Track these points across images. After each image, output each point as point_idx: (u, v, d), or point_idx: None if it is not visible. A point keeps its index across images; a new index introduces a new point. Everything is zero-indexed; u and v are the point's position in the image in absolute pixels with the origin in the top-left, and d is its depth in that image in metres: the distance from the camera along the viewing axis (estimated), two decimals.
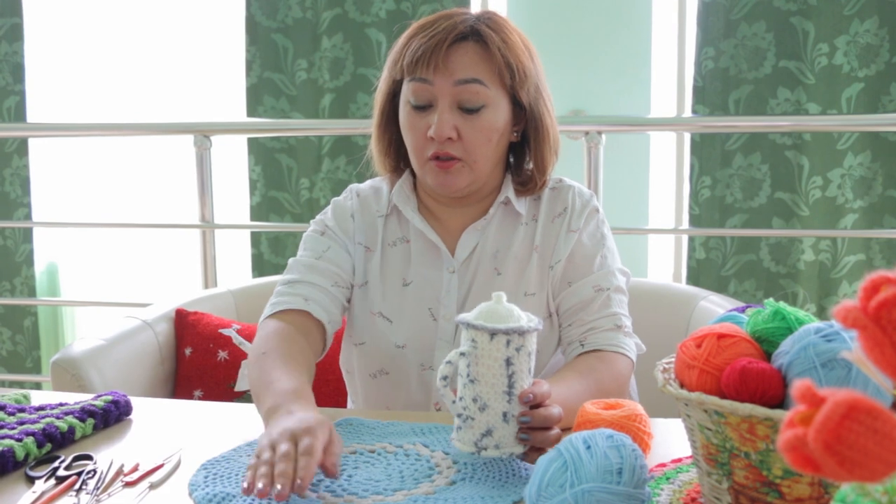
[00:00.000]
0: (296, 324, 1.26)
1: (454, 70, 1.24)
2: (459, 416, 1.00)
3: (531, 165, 1.36)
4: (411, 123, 1.28)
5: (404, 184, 1.38)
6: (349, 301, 1.37)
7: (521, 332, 0.97)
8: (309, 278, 1.31)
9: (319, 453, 0.92)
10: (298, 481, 0.88)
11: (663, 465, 1.01)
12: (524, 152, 1.36)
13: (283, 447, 0.91)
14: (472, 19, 1.27)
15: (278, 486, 0.87)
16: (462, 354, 0.98)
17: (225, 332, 1.61)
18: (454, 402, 1.00)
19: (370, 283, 1.36)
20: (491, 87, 1.25)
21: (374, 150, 1.39)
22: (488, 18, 1.28)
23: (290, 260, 1.35)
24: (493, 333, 0.96)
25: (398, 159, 1.38)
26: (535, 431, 0.98)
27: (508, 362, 0.97)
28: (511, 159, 1.38)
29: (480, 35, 1.25)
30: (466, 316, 0.99)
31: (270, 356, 1.18)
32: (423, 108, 1.27)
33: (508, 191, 1.35)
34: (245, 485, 0.90)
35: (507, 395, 0.97)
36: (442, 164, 1.27)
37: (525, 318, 0.99)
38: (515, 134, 1.33)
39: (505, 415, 0.98)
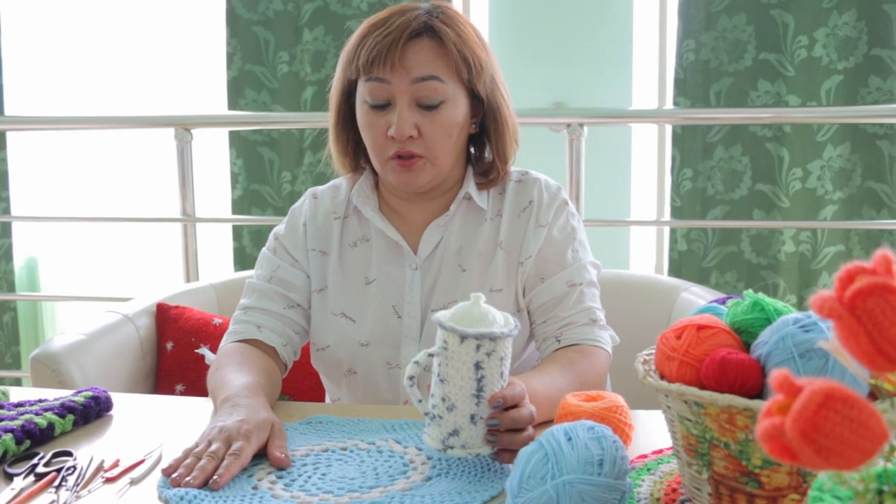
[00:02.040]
0: (253, 345, 1.32)
1: (411, 68, 1.23)
2: (427, 413, 1.00)
3: (492, 156, 1.35)
4: (370, 123, 1.27)
5: (364, 183, 1.37)
6: (311, 308, 1.38)
7: (493, 338, 0.96)
8: (260, 304, 1.35)
9: (247, 457, 1.00)
10: (216, 478, 0.96)
11: (644, 456, 1.02)
12: (484, 143, 1.36)
13: (214, 446, 1.00)
14: (425, 15, 1.26)
15: (188, 479, 0.96)
16: (430, 355, 0.98)
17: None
18: (420, 400, 1.00)
19: (330, 286, 1.36)
20: (448, 82, 1.25)
21: (332, 150, 1.38)
22: (441, 12, 1.28)
23: (247, 282, 1.38)
24: (463, 337, 0.95)
25: (357, 158, 1.38)
26: (504, 434, 0.98)
27: (478, 366, 0.96)
28: (472, 150, 1.38)
29: (435, 31, 1.25)
30: (441, 315, 0.98)
31: (224, 368, 1.24)
32: (381, 107, 1.26)
33: (469, 186, 1.34)
34: (166, 466, 0.99)
35: (475, 397, 0.97)
36: (403, 163, 1.26)
37: (501, 322, 0.98)
38: (474, 125, 1.33)
39: (473, 417, 0.97)
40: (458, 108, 1.27)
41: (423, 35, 1.25)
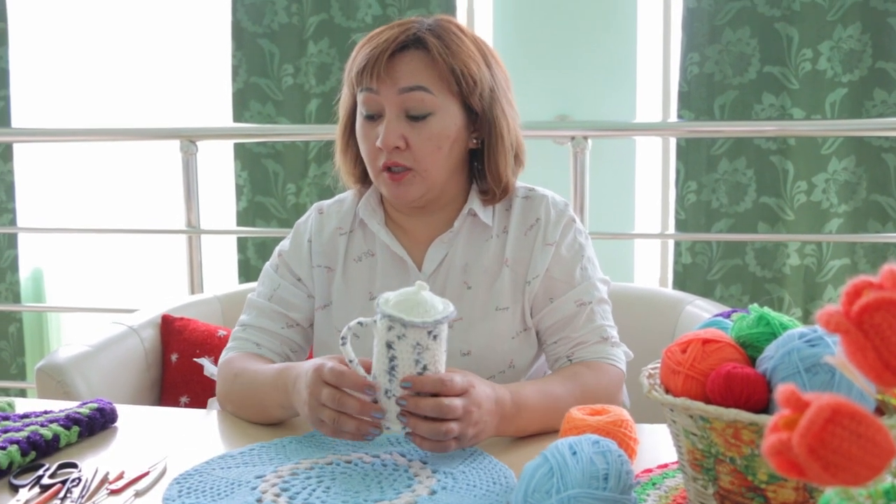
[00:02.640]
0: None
1: (398, 78, 1.23)
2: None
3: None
4: (364, 134, 1.28)
5: (371, 197, 1.37)
6: (311, 327, 1.38)
7: (404, 324, 1.01)
8: (259, 322, 1.35)
9: (348, 372, 1.04)
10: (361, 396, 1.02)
11: (649, 470, 1.02)
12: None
13: (325, 393, 1.04)
14: (417, 27, 1.27)
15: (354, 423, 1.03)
16: (360, 324, 1.05)
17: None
18: (351, 360, 1.06)
19: (335, 303, 1.35)
20: (437, 94, 1.24)
21: (339, 162, 1.39)
22: (436, 25, 1.28)
23: (248, 297, 1.39)
24: (381, 315, 1.02)
25: (364, 171, 1.37)
26: (411, 417, 1.02)
27: (389, 346, 1.02)
28: (477, 165, 1.36)
29: (423, 43, 1.25)
30: (386, 293, 1.05)
31: (244, 371, 1.26)
32: (373, 117, 1.26)
33: (474, 202, 1.33)
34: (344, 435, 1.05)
35: (388, 374, 1.03)
36: (393, 176, 1.26)
37: (436, 311, 1.02)
38: (475, 140, 1.31)
39: (387, 392, 1.03)
40: (448, 121, 1.26)
41: (410, 47, 1.25)
